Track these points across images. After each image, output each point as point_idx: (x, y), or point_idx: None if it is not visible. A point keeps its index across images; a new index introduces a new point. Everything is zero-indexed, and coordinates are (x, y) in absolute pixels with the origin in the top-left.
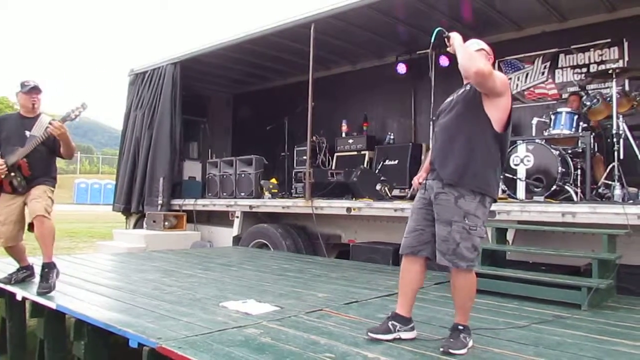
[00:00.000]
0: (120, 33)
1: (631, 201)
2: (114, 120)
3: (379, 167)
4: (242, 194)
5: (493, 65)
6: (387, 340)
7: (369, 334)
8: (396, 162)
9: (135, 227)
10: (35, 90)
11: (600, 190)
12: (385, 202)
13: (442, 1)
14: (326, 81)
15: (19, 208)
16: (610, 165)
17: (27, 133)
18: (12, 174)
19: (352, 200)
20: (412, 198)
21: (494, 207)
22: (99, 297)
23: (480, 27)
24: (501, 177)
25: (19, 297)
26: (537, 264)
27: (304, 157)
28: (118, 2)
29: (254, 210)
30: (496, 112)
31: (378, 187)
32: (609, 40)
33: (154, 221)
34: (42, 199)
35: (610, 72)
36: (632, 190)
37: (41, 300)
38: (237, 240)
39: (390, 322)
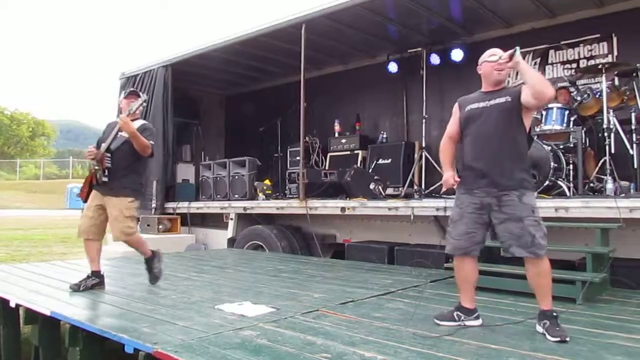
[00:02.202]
0: (118, 35)
1: (623, 195)
2: (105, 124)
3: (372, 167)
4: (236, 195)
5: (479, 57)
6: (452, 326)
7: (435, 320)
8: (389, 161)
9: None
10: (132, 94)
11: (592, 185)
12: (379, 201)
13: (432, 0)
14: (318, 81)
15: (97, 209)
16: (602, 160)
17: (120, 134)
18: (97, 167)
19: (346, 200)
20: (406, 197)
21: None
22: (93, 303)
23: (470, 25)
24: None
25: (12, 304)
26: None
27: (297, 158)
28: (117, 2)
29: (248, 212)
30: (528, 118)
31: (372, 186)
32: (598, 35)
33: (148, 225)
34: (119, 222)
35: (599, 67)
36: (624, 183)
37: (35, 307)
38: (231, 242)
39: (455, 312)
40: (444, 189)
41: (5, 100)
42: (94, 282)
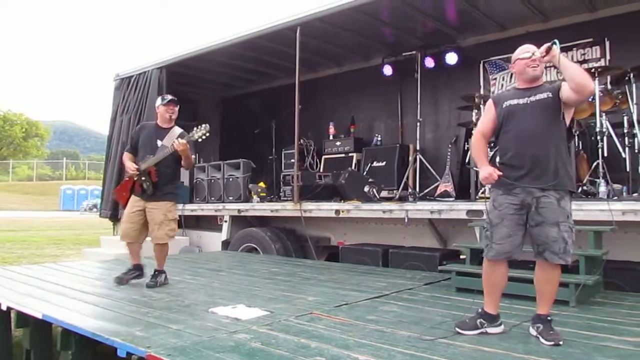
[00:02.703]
0: (116, 35)
1: (616, 198)
2: (101, 125)
3: (366, 169)
4: (231, 198)
5: (479, 66)
6: (474, 335)
7: (456, 328)
8: (384, 163)
9: None
10: (172, 102)
11: (585, 188)
12: (374, 203)
13: (427, 3)
14: (313, 84)
15: (139, 214)
16: (595, 163)
17: (159, 142)
18: (143, 178)
19: (341, 202)
20: (400, 199)
21: (480, 206)
22: (85, 306)
23: (464, 29)
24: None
25: (4, 307)
26: (525, 262)
27: (292, 160)
28: (117, 2)
29: (242, 214)
30: (569, 118)
31: (366, 189)
32: (591, 39)
33: None
34: (164, 225)
35: (592, 71)
36: (617, 186)
37: (26, 310)
38: (226, 244)
39: (478, 320)
40: (485, 183)
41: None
42: (134, 275)
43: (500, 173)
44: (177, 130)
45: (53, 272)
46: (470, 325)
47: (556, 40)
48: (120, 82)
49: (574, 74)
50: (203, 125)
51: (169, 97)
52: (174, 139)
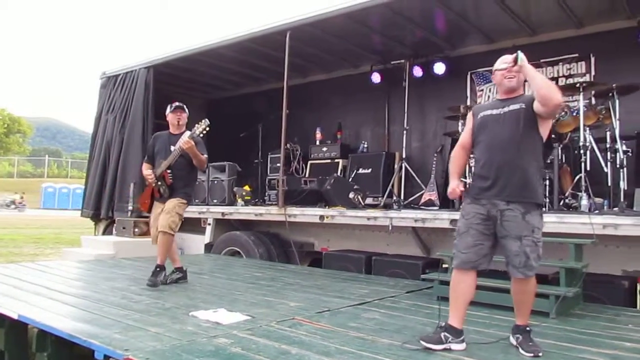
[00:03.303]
0: (112, 34)
1: (597, 211)
2: (85, 123)
3: (352, 176)
4: (215, 200)
5: (466, 76)
6: (437, 350)
7: (421, 341)
8: (369, 170)
9: (104, 233)
10: (178, 109)
11: (567, 201)
12: (359, 210)
13: (416, 13)
14: (301, 89)
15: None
16: (578, 177)
17: (172, 148)
18: (159, 182)
19: (326, 208)
20: (385, 207)
21: None
22: (63, 307)
23: (453, 40)
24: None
25: None
26: (506, 273)
27: (278, 165)
28: (116, 2)
29: (226, 217)
30: (545, 127)
31: (351, 195)
32: (576, 54)
33: (124, 227)
34: (170, 215)
35: (577, 85)
36: (598, 200)
37: (1, 310)
38: (209, 247)
39: (442, 334)
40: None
41: None
42: (178, 277)
43: (462, 189)
44: (187, 133)
45: (31, 272)
46: (434, 339)
47: (519, 51)
48: (106, 81)
49: (538, 85)
50: (203, 121)
51: (176, 104)
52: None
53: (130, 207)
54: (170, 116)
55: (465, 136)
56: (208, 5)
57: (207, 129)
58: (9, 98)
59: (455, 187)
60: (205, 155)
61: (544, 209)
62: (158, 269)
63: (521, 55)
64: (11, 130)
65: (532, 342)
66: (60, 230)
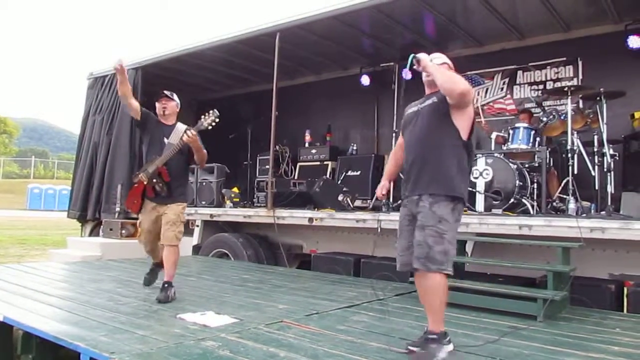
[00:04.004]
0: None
1: (584, 215)
2: (72, 124)
3: (341, 178)
4: (203, 202)
5: None
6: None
7: (409, 347)
8: (359, 173)
9: (91, 234)
10: (164, 97)
11: (555, 204)
12: (347, 212)
13: (405, 16)
14: (290, 91)
15: (155, 221)
16: (565, 180)
17: (166, 140)
18: (154, 180)
19: (314, 210)
20: (374, 209)
21: None
22: (49, 308)
23: (442, 42)
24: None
25: None
26: (495, 276)
27: (267, 167)
28: (116, 3)
29: (214, 219)
30: (463, 122)
31: (340, 197)
32: (564, 58)
33: (111, 229)
34: (176, 226)
35: (565, 89)
36: (586, 204)
37: None
38: (196, 249)
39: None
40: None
41: None
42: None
43: (384, 193)
44: (182, 126)
45: (16, 273)
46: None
47: (412, 55)
48: (94, 82)
49: (439, 81)
50: (211, 112)
51: (164, 92)
52: (181, 134)
53: (117, 209)
54: (157, 105)
55: (401, 134)
56: (208, 5)
57: (217, 120)
58: None
59: (380, 187)
60: (205, 150)
61: (463, 204)
62: (167, 285)
63: (422, 57)
64: None
65: (425, 351)
66: (46, 232)
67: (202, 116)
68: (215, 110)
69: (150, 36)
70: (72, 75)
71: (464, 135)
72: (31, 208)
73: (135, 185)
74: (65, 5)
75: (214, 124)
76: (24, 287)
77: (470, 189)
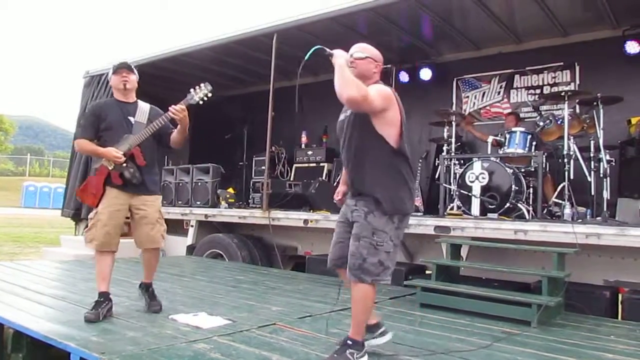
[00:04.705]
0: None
1: (580, 220)
2: (68, 122)
3: (337, 180)
4: (198, 202)
5: (452, 83)
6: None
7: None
8: None
9: (84, 233)
10: (124, 68)
11: (551, 209)
12: None
13: (403, 18)
14: (287, 91)
15: (125, 211)
16: (561, 185)
17: (132, 119)
18: (124, 164)
19: (310, 212)
20: None
21: (448, 223)
22: (40, 307)
23: (439, 46)
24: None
25: None
26: (490, 280)
27: (263, 167)
28: (116, 3)
29: (209, 219)
30: (386, 128)
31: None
32: (561, 63)
33: None
34: (159, 224)
35: (562, 94)
36: (581, 209)
37: None
38: (191, 249)
39: (348, 351)
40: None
41: None
42: (108, 307)
43: (340, 197)
44: (145, 104)
45: (9, 271)
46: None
47: (317, 47)
48: (90, 80)
49: (335, 81)
50: (203, 85)
51: (121, 63)
52: (146, 113)
53: None
54: (114, 79)
55: None
56: (208, 5)
57: (209, 94)
58: None
59: (336, 192)
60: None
61: (402, 215)
62: (153, 289)
63: (335, 53)
64: None
65: (339, 355)
66: (40, 230)
67: (192, 89)
68: (207, 83)
69: (151, 36)
70: (68, 73)
71: (392, 142)
72: (26, 206)
73: (97, 172)
74: (64, 4)
75: (206, 98)
76: (16, 285)
77: (467, 192)
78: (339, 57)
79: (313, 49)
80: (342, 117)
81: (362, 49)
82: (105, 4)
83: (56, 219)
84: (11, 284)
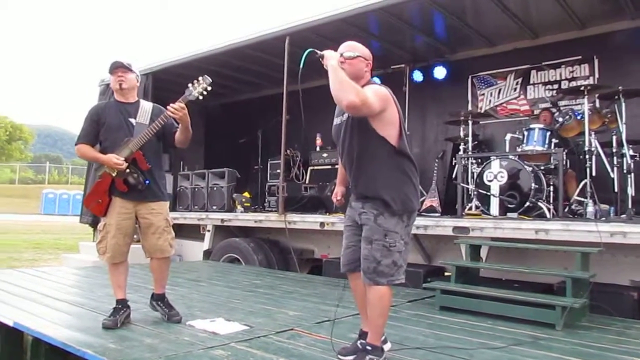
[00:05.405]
0: (110, 38)
1: (603, 218)
2: None
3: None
4: (214, 207)
5: (467, 81)
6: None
7: (339, 356)
8: None
9: None
10: (119, 67)
11: (572, 207)
12: None
13: (415, 17)
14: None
15: (133, 219)
16: (583, 182)
17: (133, 121)
18: (127, 170)
19: (326, 214)
20: None
21: (467, 223)
22: (59, 314)
23: (453, 43)
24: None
25: None
26: (510, 282)
27: (278, 171)
28: (116, 4)
29: (225, 224)
30: (386, 129)
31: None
32: (579, 57)
33: None
34: (167, 233)
35: (582, 89)
36: (604, 207)
37: None
38: (207, 254)
39: (359, 342)
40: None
41: None
42: (126, 314)
43: (340, 198)
44: (147, 103)
45: (28, 278)
46: (351, 349)
47: (309, 50)
48: (105, 88)
49: (331, 85)
50: (201, 78)
51: (114, 62)
52: (149, 112)
53: None
54: (111, 80)
55: None
56: (208, 5)
57: (209, 88)
58: (11, 106)
59: (334, 194)
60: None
61: (410, 212)
62: (167, 299)
63: (327, 54)
64: (13, 137)
65: None
66: (60, 236)
67: (190, 84)
68: (207, 76)
69: (151, 36)
70: (85, 81)
71: (393, 142)
72: (46, 213)
73: (99, 180)
74: (72, 9)
75: (205, 92)
76: (36, 292)
77: (485, 192)
78: (331, 59)
79: (304, 54)
80: (337, 121)
81: (352, 48)
82: (105, 4)
83: (75, 226)
84: (30, 290)
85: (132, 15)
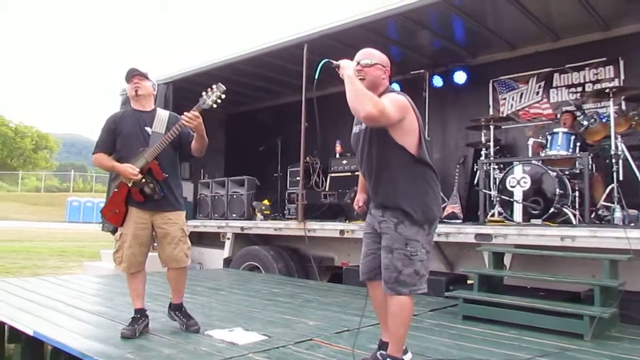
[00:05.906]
0: (121, 43)
1: (632, 224)
2: None
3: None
4: (234, 215)
5: (488, 85)
6: None
7: None
8: None
9: None
10: (135, 75)
11: (599, 213)
12: None
13: (434, 22)
14: (320, 101)
15: (149, 229)
16: (610, 187)
17: (149, 130)
18: (143, 180)
19: (346, 222)
20: None
21: (490, 230)
22: (78, 323)
23: (473, 48)
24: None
25: None
26: (535, 290)
27: (297, 178)
28: (116, 6)
29: (245, 231)
30: (405, 138)
31: None
32: (604, 58)
33: None
34: (183, 243)
35: (607, 91)
36: (633, 212)
37: (18, 326)
38: (227, 262)
39: (379, 352)
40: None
41: (10, 113)
42: (145, 323)
43: (361, 205)
44: (164, 112)
45: (50, 286)
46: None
47: (324, 61)
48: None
49: (348, 95)
50: (215, 86)
51: (131, 69)
52: (165, 121)
53: None
54: (127, 88)
55: None
56: (208, 5)
57: (223, 96)
58: (37, 115)
59: (356, 201)
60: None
61: (431, 221)
62: (185, 309)
63: (342, 64)
64: (39, 146)
65: None
66: (84, 243)
67: (204, 92)
68: (220, 84)
69: (151, 36)
70: (108, 91)
71: (412, 150)
72: (70, 220)
73: (116, 190)
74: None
75: (219, 100)
76: (56, 300)
77: (508, 198)
78: (347, 68)
79: (320, 64)
80: (356, 129)
81: (369, 55)
82: (105, 5)
83: (99, 233)
84: (51, 299)
85: (132, 15)
